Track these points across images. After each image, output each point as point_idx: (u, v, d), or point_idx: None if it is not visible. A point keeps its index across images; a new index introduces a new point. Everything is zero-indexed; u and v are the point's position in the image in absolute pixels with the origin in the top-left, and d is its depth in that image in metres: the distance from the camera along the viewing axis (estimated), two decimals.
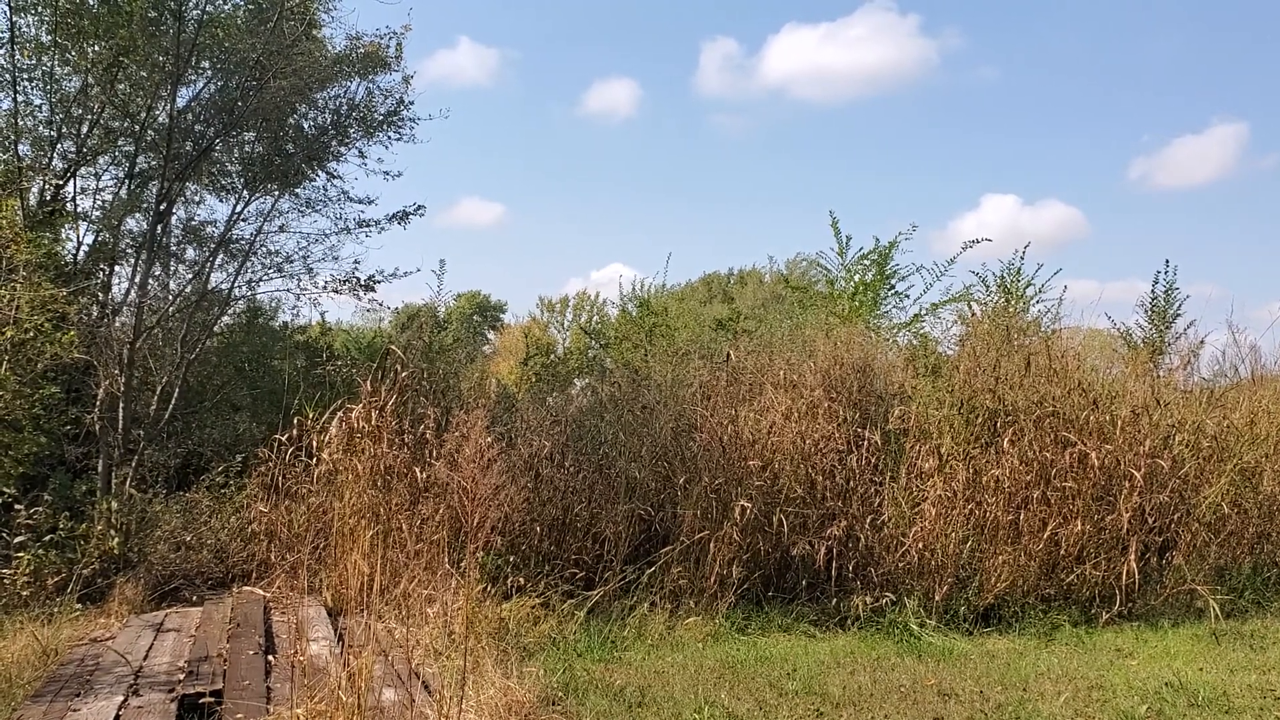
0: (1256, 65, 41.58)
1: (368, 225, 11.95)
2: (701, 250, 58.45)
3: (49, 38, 9.56)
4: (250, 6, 10.35)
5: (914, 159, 49.57)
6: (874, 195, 46.19)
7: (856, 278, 13.36)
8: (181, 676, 5.58)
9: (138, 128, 10.03)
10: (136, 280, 9.96)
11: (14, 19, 9.43)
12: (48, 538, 7.64)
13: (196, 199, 11.61)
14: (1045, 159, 45.50)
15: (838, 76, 58.52)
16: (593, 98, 60.26)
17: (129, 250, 10.69)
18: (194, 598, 7.94)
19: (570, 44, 55.27)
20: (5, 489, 7.62)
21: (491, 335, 45.99)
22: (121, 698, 5.18)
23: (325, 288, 11.73)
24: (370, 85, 11.39)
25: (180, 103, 9.96)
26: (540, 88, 56.70)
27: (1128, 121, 46.69)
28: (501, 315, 48.14)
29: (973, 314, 11.14)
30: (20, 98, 9.70)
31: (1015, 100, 49.24)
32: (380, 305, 12.33)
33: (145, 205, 10.37)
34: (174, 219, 10.98)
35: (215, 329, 11.46)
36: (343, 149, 11.50)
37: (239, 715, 4.92)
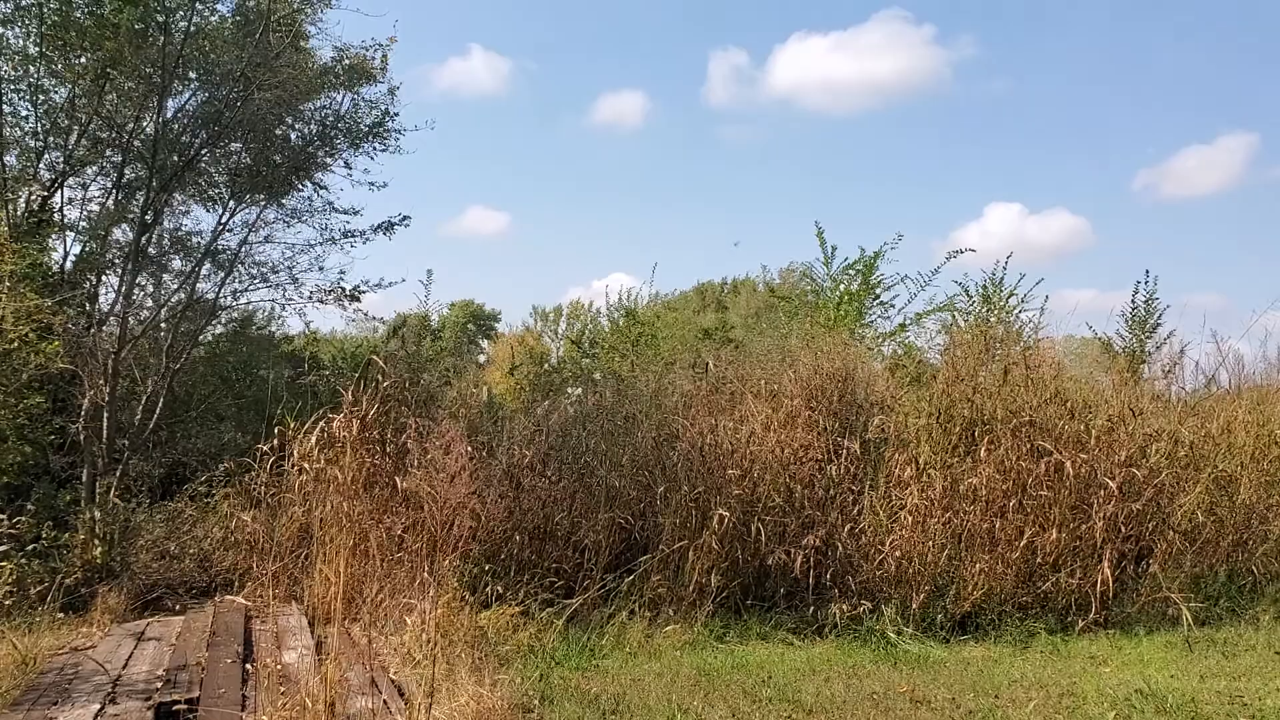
0: (1268, 76, 41.79)
1: (353, 236, 12.03)
2: (702, 259, 58.73)
3: (36, 49, 9.63)
4: (237, 19, 10.43)
5: (921, 169, 49.78)
6: (878, 205, 46.42)
7: (842, 287, 13.47)
8: (159, 685, 5.61)
9: (125, 138, 10.10)
10: (122, 290, 10.01)
11: (1, 31, 9.50)
12: (31, 547, 7.66)
13: (184, 209, 11.67)
14: (1052, 169, 45.76)
15: (848, 87, 58.65)
16: (601, 109, 60.44)
17: (116, 260, 10.75)
18: (176, 606, 7.97)
19: (579, 55, 55.53)
20: None
21: (485, 344, 46.03)
22: (98, 706, 5.22)
23: (310, 298, 11.81)
24: (356, 97, 11.48)
25: (167, 114, 10.04)
26: (549, 98, 56.92)
27: (1136, 132, 46.92)
28: (495, 324, 48.20)
29: (954, 324, 11.23)
30: (7, 108, 9.77)
31: (1026, 110, 49.46)
32: (367, 316, 12.41)
33: (132, 216, 10.42)
34: (161, 229, 11.03)
35: (201, 339, 11.50)
36: (329, 160, 11.58)
37: None
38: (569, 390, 14.87)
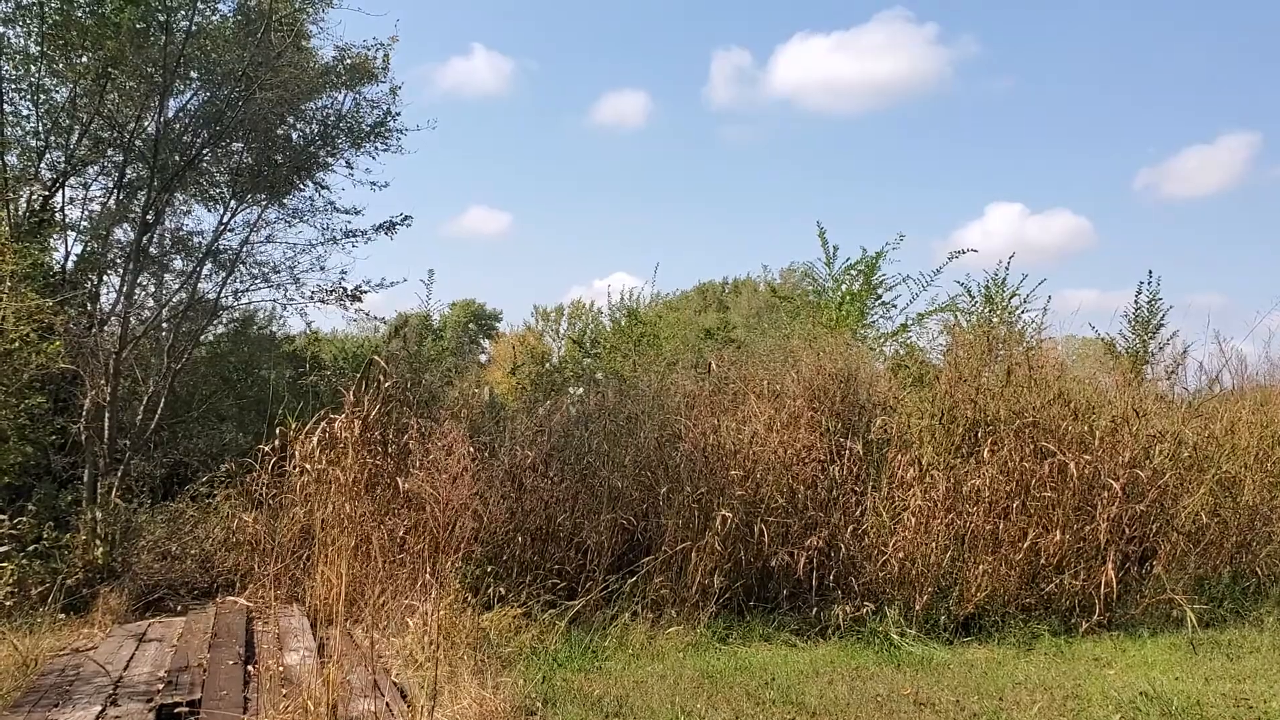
0: (1270, 75, 41.69)
1: (354, 235, 12.01)
2: (703, 259, 58.74)
3: (37, 49, 9.62)
4: (238, 18, 10.41)
5: (922, 169, 49.78)
6: (879, 204, 46.44)
7: (844, 288, 13.45)
8: (161, 687, 5.60)
9: (126, 138, 10.08)
10: (123, 290, 9.99)
11: (2, 30, 9.49)
12: (32, 548, 7.64)
13: (185, 209, 11.66)
14: (1054, 168, 45.75)
15: (850, 87, 58.69)
16: (603, 108, 60.46)
17: (117, 260, 10.73)
18: (178, 607, 7.94)
19: (581, 55, 55.62)
20: None
21: (486, 344, 46.01)
22: (99, 708, 5.20)
23: (312, 298, 11.80)
24: (357, 96, 11.46)
25: (168, 113, 10.02)
26: (551, 98, 56.98)
27: (1137, 131, 46.91)
28: (497, 324, 48.18)
29: (956, 324, 11.20)
30: (8, 108, 9.75)
31: (1028, 109, 49.46)
32: (368, 315, 12.39)
33: (133, 215, 10.41)
34: (162, 229, 11.01)
35: (203, 339, 11.48)
36: (330, 159, 11.56)
37: None
38: (570, 390, 14.85)
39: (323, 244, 12.00)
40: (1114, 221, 48.24)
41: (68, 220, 10.63)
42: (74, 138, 10.22)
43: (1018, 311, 11.97)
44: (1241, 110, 46.45)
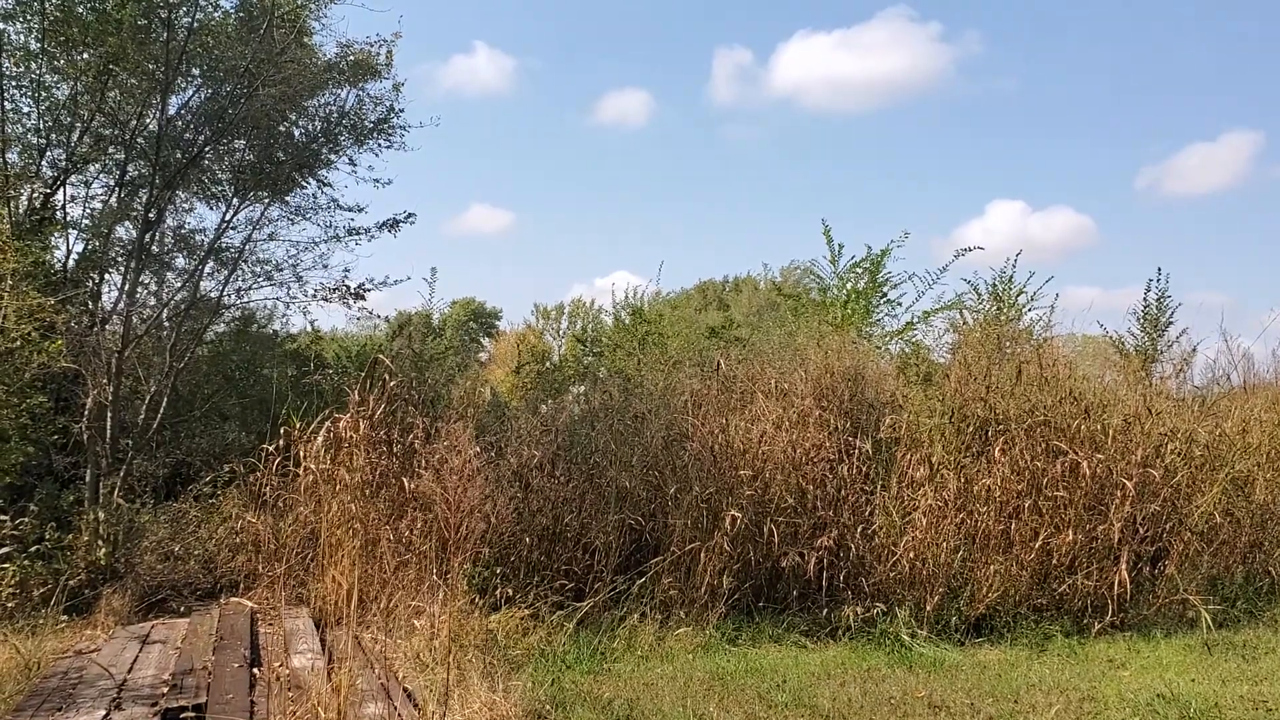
0: (1273, 74, 41.59)
1: (358, 233, 11.89)
2: (704, 258, 58.82)
3: (38, 45, 9.53)
4: (241, 14, 10.32)
5: (923, 166, 49.77)
6: (880, 202, 46.40)
7: (849, 286, 13.36)
8: (165, 690, 5.52)
9: (128, 135, 9.99)
10: (125, 289, 9.91)
11: (2, 26, 9.40)
12: (34, 548, 7.57)
13: (187, 207, 11.56)
14: (1056, 166, 45.72)
15: (852, 85, 58.70)
16: (605, 107, 60.49)
17: (119, 258, 10.65)
18: (181, 609, 7.86)
19: (583, 53, 55.64)
20: None
21: (487, 342, 45.96)
22: (103, 712, 5.13)
23: (314, 296, 11.69)
24: (360, 93, 11.35)
25: (170, 110, 9.93)
26: (553, 96, 57.02)
27: (1140, 129, 46.90)
28: (497, 322, 48.12)
29: (964, 322, 11.12)
30: (9, 105, 9.67)
31: (1030, 108, 49.46)
32: (370, 314, 12.30)
33: (135, 213, 10.32)
34: (164, 227, 10.93)
35: (205, 337, 11.40)
36: (333, 157, 11.44)
37: None
38: (572, 389, 14.75)
39: (326, 242, 11.89)
40: (1116, 219, 48.24)
41: (69, 218, 10.53)
42: (75, 135, 10.14)
43: (1025, 309, 11.91)
44: (1244, 109, 46.40)
